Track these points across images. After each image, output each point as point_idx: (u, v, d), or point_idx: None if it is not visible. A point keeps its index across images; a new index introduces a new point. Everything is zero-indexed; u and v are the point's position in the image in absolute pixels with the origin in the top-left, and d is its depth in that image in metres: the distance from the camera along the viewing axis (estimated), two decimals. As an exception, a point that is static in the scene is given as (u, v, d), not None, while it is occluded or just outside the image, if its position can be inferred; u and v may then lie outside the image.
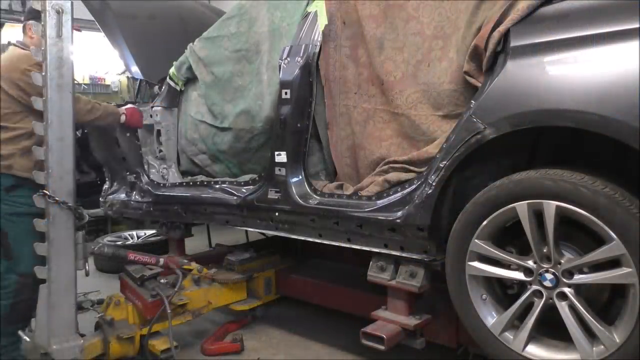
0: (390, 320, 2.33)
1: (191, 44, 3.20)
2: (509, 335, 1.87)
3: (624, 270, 1.59)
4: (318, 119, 2.61)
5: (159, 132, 3.35)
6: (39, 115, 2.44)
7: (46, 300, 2.42)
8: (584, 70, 1.65)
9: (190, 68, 3.18)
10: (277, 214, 2.71)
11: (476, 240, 1.89)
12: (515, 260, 1.86)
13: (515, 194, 1.77)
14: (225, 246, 3.91)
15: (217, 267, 3.36)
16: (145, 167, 3.48)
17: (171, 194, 3.29)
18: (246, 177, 2.97)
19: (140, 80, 3.66)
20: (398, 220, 2.17)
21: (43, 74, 2.40)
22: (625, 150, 1.58)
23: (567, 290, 1.73)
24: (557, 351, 1.79)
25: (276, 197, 2.67)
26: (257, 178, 2.88)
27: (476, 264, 1.92)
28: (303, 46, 2.59)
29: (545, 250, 1.77)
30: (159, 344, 2.71)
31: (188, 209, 3.23)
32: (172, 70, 3.27)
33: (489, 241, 1.90)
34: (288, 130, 2.59)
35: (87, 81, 6.98)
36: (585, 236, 1.79)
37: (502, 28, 1.85)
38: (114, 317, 2.79)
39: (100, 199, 3.72)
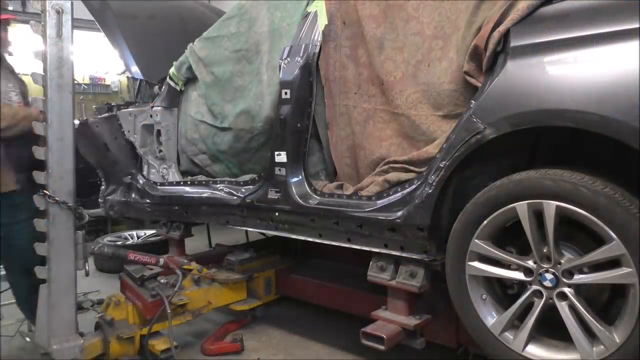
0: (390, 320, 2.33)
1: (191, 44, 3.20)
2: (509, 335, 1.87)
3: (624, 270, 1.59)
4: (318, 119, 2.61)
5: (159, 132, 3.35)
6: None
7: (46, 300, 2.42)
8: (584, 70, 1.65)
9: (190, 68, 3.18)
10: (277, 214, 2.71)
11: (476, 240, 1.89)
12: (515, 260, 1.86)
13: (515, 194, 1.77)
14: (225, 246, 3.91)
15: (217, 267, 3.35)
16: (145, 167, 3.49)
17: (170, 194, 3.29)
18: (246, 177, 2.98)
19: (140, 80, 3.66)
20: (398, 220, 2.17)
21: (43, 74, 2.40)
22: (625, 150, 1.58)
23: (567, 290, 1.73)
24: (557, 351, 1.79)
25: (276, 197, 2.67)
26: (257, 178, 2.88)
27: (476, 264, 1.92)
28: (303, 46, 2.59)
29: (545, 250, 1.77)
30: (159, 344, 2.71)
31: (187, 209, 3.24)
32: (172, 70, 3.27)
33: (489, 241, 1.89)
34: (288, 130, 2.59)
35: (87, 81, 6.99)
36: (585, 236, 1.79)
37: (502, 28, 1.85)
38: (114, 317, 2.79)
39: (99, 199, 3.73)
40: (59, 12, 2.37)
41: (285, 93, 2.58)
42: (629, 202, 1.59)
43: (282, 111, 2.60)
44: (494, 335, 1.90)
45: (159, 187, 3.37)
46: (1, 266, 3.20)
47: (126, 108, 3.58)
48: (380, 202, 2.25)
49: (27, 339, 3.10)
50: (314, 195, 2.55)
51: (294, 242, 3.01)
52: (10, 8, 6.13)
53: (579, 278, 1.72)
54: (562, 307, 1.74)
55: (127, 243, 5.01)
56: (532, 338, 1.83)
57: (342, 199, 2.43)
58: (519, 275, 1.85)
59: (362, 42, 2.40)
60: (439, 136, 2.13)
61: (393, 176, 2.24)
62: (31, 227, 2.51)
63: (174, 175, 3.38)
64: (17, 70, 3.02)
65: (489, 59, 1.89)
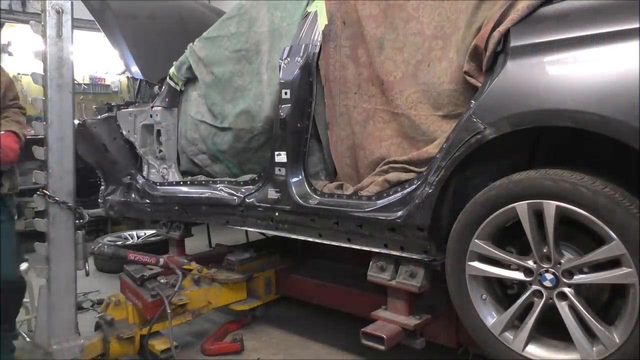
0: (390, 320, 2.33)
1: (191, 44, 3.20)
2: (509, 335, 1.87)
3: (624, 270, 1.59)
4: (318, 119, 2.61)
5: (159, 132, 3.35)
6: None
7: (46, 300, 2.42)
8: (584, 70, 1.65)
9: (190, 68, 3.18)
10: (277, 214, 2.71)
11: (476, 240, 1.89)
12: (515, 260, 1.86)
13: (515, 194, 1.77)
14: (225, 246, 3.91)
15: (217, 267, 3.35)
16: (145, 167, 3.49)
17: (169, 194, 3.29)
18: (246, 177, 2.98)
19: (140, 80, 3.67)
20: (398, 220, 2.17)
21: (43, 74, 2.40)
22: (625, 150, 1.58)
23: (567, 290, 1.73)
24: (557, 351, 1.79)
25: (276, 197, 2.67)
26: (257, 178, 2.88)
27: (476, 264, 1.92)
28: (303, 46, 2.59)
29: (545, 250, 1.77)
30: (159, 344, 2.71)
31: (187, 209, 3.23)
32: (172, 70, 3.27)
33: (489, 241, 1.90)
34: (288, 130, 2.59)
35: (87, 81, 6.98)
36: (585, 236, 1.79)
37: (502, 28, 1.85)
38: (114, 317, 2.79)
39: (99, 200, 3.74)
40: (59, 12, 2.37)
41: (285, 93, 2.58)
42: (629, 202, 1.59)
43: (282, 111, 2.60)
44: (494, 335, 1.90)
45: (158, 187, 3.37)
46: None
47: (126, 108, 3.59)
48: (380, 202, 2.25)
49: (27, 339, 3.10)
50: (314, 195, 2.55)
51: (294, 242, 3.00)
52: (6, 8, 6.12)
53: (579, 278, 1.72)
54: (562, 307, 1.74)
55: (127, 243, 5.01)
56: (532, 338, 1.83)
57: (342, 199, 2.43)
58: (519, 275, 1.85)
59: (362, 42, 2.40)
60: (439, 136, 2.13)
61: (393, 176, 2.24)
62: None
63: (174, 175, 3.38)
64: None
65: (489, 59, 1.89)
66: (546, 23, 1.77)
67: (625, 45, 1.57)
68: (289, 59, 2.61)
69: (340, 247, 2.50)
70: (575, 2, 1.74)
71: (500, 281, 1.99)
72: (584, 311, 1.69)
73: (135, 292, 2.86)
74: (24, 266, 2.84)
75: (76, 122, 2.88)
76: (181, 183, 3.27)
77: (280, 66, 2.63)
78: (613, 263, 1.64)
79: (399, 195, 2.20)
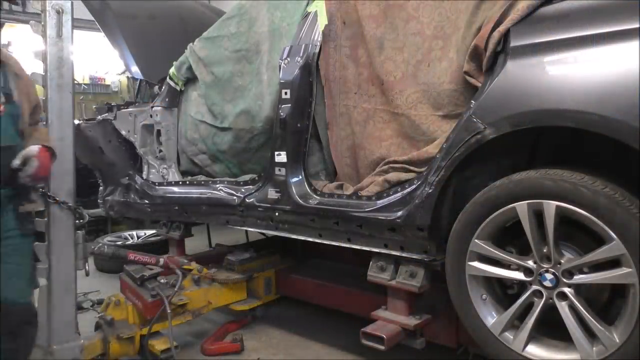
0: (390, 320, 2.33)
1: (191, 44, 3.20)
2: (509, 335, 1.87)
3: (624, 270, 1.59)
4: (318, 119, 2.61)
5: (159, 132, 3.35)
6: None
7: (46, 300, 2.42)
8: (584, 70, 1.65)
9: (190, 68, 3.18)
10: (277, 214, 2.71)
11: (476, 240, 1.89)
12: (515, 260, 1.86)
13: (515, 194, 1.77)
14: (225, 246, 3.91)
15: (217, 267, 3.35)
16: (145, 167, 3.49)
17: (169, 194, 3.29)
18: (246, 177, 2.98)
19: (140, 80, 3.66)
20: (398, 220, 2.16)
21: (43, 74, 2.40)
22: (625, 150, 1.58)
23: (567, 290, 1.73)
24: (557, 351, 1.79)
25: (276, 197, 2.67)
26: (257, 178, 2.88)
27: (476, 264, 1.92)
28: (303, 46, 2.59)
29: (545, 250, 1.77)
30: (159, 344, 2.71)
31: (187, 209, 3.23)
32: (172, 70, 3.27)
33: (489, 241, 1.90)
34: (288, 130, 2.59)
35: (87, 81, 6.99)
36: (585, 236, 1.79)
37: (502, 28, 1.85)
38: (114, 317, 2.79)
39: (98, 200, 3.74)
40: (59, 12, 2.37)
41: (285, 93, 2.58)
42: (629, 202, 1.59)
43: (282, 111, 2.60)
44: (494, 335, 1.90)
45: (157, 187, 3.37)
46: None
47: (126, 108, 3.59)
48: (380, 202, 2.25)
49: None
50: (314, 195, 2.55)
51: (294, 242, 3.01)
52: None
53: (579, 278, 1.72)
54: (562, 307, 1.74)
55: (127, 243, 5.01)
56: (532, 338, 1.83)
57: (342, 199, 2.43)
58: (519, 275, 1.85)
59: (362, 42, 2.40)
60: (439, 136, 2.13)
61: (393, 176, 2.24)
62: None
63: (174, 175, 3.38)
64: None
65: (489, 59, 1.89)
66: (546, 23, 1.77)
67: (625, 45, 1.57)
68: (289, 59, 2.60)
69: (340, 247, 2.50)
70: (575, 2, 1.74)
71: (500, 281, 1.99)
72: (584, 311, 1.69)
73: (135, 292, 2.86)
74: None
75: (77, 121, 2.88)
76: (181, 183, 3.27)
77: (280, 66, 2.63)
78: (613, 263, 1.64)
79: (399, 195, 2.20)
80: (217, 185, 3.05)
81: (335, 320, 3.31)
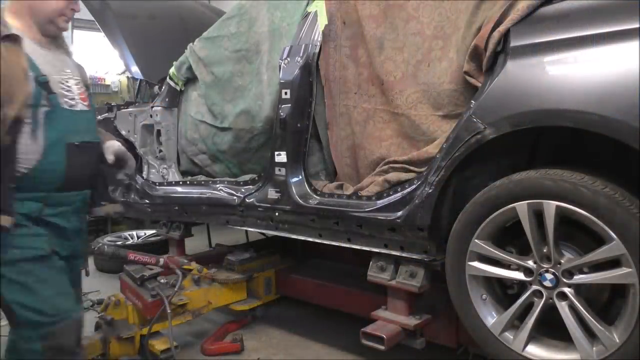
0: (390, 320, 2.33)
1: (191, 44, 3.20)
2: (509, 335, 1.87)
3: (624, 270, 1.59)
4: (318, 119, 2.61)
5: (159, 132, 3.35)
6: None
7: (46, 300, 2.41)
8: (584, 70, 1.65)
9: (190, 68, 3.18)
10: (277, 214, 2.71)
11: (476, 240, 1.89)
12: (515, 260, 1.86)
13: (515, 194, 1.77)
14: (225, 246, 3.91)
15: (217, 267, 3.35)
16: (145, 167, 3.49)
17: (169, 194, 3.29)
18: (246, 177, 2.98)
19: (140, 80, 3.66)
20: (398, 220, 2.17)
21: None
22: (625, 150, 1.58)
23: (567, 290, 1.73)
24: (557, 351, 1.79)
25: (276, 197, 2.67)
26: (257, 178, 2.88)
27: (476, 264, 1.92)
28: (303, 46, 2.59)
29: (545, 250, 1.77)
30: (159, 344, 2.71)
31: (187, 209, 3.23)
32: (172, 70, 3.27)
33: (489, 241, 1.89)
34: (288, 130, 2.59)
35: (87, 81, 6.99)
36: (585, 236, 1.79)
37: (502, 28, 1.85)
38: (114, 317, 2.79)
39: None
40: (59, 12, 2.36)
41: (285, 93, 2.58)
42: (629, 202, 1.59)
43: (282, 111, 2.60)
44: (494, 335, 1.90)
45: (157, 187, 3.37)
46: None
47: (126, 108, 3.59)
48: (380, 202, 2.25)
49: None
50: (314, 195, 2.55)
51: (294, 242, 3.01)
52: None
53: (579, 278, 1.72)
54: (562, 307, 1.74)
55: (127, 243, 5.01)
56: (532, 338, 1.83)
57: (342, 199, 2.43)
58: (519, 275, 1.85)
59: (362, 42, 2.40)
60: (439, 136, 2.13)
61: (393, 176, 2.24)
62: None
63: (174, 175, 3.38)
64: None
65: (489, 59, 1.89)
66: (546, 23, 1.77)
67: (625, 45, 1.57)
68: (289, 59, 2.61)
69: (340, 247, 2.50)
70: (575, 2, 1.74)
71: (500, 281, 1.99)
72: (584, 311, 1.69)
73: (135, 292, 2.86)
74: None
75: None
76: (181, 183, 3.27)
77: (280, 66, 2.63)
78: (613, 263, 1.64)
79: (399, 195, 2.20)
80: (217, 185, 3.06)
81: (335, 320, 3.31)
